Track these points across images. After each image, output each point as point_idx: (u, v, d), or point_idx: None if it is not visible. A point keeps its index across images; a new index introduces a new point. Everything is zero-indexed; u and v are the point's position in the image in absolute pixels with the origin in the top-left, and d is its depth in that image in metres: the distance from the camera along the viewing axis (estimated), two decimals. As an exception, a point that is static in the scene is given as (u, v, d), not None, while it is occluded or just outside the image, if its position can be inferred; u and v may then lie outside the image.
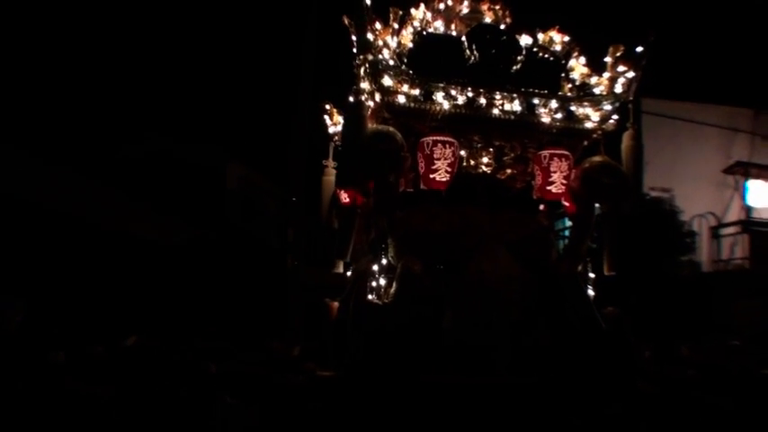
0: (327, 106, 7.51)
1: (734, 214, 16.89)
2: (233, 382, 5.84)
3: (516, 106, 6.26)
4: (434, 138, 6.04)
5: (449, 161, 6.01)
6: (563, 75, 6.61)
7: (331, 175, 7.49)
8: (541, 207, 6.54)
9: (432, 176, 6.03)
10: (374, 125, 6.10)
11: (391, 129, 5.96)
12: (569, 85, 6.57)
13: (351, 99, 5.97)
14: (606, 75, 6.48)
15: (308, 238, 13.15)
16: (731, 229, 16.56)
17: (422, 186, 6.23)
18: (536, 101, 6.28)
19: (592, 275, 6.54)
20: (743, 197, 16.83)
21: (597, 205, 6.47)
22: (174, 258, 14.30)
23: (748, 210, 16.75)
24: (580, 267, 6.46)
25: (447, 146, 6.03)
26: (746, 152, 17.48)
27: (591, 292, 6.45)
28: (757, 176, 16.87)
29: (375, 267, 6.11)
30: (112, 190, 14.10)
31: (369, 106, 6.17)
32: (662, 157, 15.07)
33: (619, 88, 6.41)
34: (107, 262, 12.87)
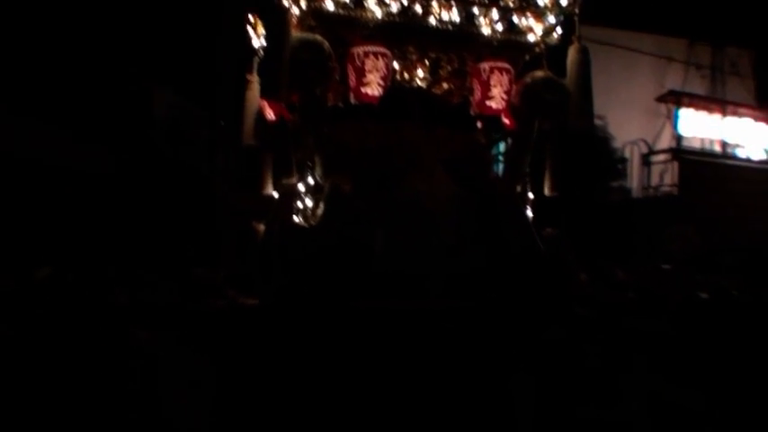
0: (251, 17, 6.80)
1: (665, 142, 16.75)
2: (145, 312, 5.27)
3: (454, 15, 5.72)
4: (366, 48, 5.49)
5: (381, 73, 5.48)
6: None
7: (255, 90, 6.78)
8: (479, 123, 6.03)
9: (363, 90, 5.51)
10: (299, 34, 5.46)
11: (318, 37, 5.36)
12: (511, -6, 5.98)
13: (274, 4, 5.30)
14: (551, -16, 5.89)
15: (236, 160, 12.48)
16: (661, 157, 16.50)
17: (352, 100, 5.67)
18: (476, 10, 5.74)
19: (531, 196, 6.08)
20: (674, 126, 16.68)
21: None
22: (97, 187, 13.54)
23: (679, 138, 16.64)
24: (519, 188, 5.99)
25: (379, 57, 5.48)
26: (680, 81, 17.30)
27: (530, 214, 6.00)
28: (689, 105, 16.76)
29: (301, 187, 5.55)
30: (30, 118, 13.08)
31: (293, 13, 5.52)
32: (595, 84, 14.26)
33: (564, 0, 5.85)
34: (25, 191, 12.01)
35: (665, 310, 6.20)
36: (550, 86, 5.76)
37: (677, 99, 16.83)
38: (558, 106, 5.79)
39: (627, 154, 16.30)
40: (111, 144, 14.78)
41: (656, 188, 16.12)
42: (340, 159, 5.56)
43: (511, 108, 5.86)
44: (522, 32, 5.88)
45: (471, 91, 5.99)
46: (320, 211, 5.43)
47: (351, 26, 5.59)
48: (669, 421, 5.26)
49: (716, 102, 17.07)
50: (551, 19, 5.90)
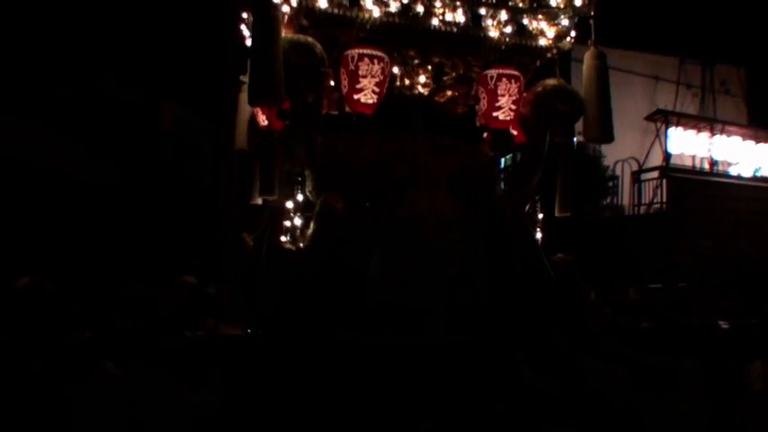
0: (245, 15, 5.89)
1: (656, 160, 16.08)
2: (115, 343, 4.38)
3: (459, 17, 4.88)
4: (360, 51, 4.66)
5: (377, 79, 4.64)
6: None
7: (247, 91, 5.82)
8: (485, 135, 5.18)
9: (356, 97, 4.67)
10: (289, 34, 4.60)
11: (310, 39, 4.56)
12: (520, -5, 5.13)
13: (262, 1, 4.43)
14: (564, -16, 5.05)
15: (230, 167, 11.72)
16: (651, 175, 15.91)
17: (347, 109, 4.82)
18: (483, 11, 4.92)
19: (540, 216, 5.22)
20: (663, 144, 15.98)
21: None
22: (102, 198, 12.80)
23: (668, 156, 16.00)
24: (528, 207, 5.13)
25: (375, 61, 4.64)
26: (672, 100, 16.65)
27: (539, 236, 5.15)
28: (677, 124, 16.13)
29: (290, 204, 4.68)
30: (42, 128, 12.53)
31: (283, 12, 4.65)
32: (587, 102, 13.86)
33: (579, 1, 5.02)
34: (33, 199, 11.42)
35: (683, 342, 5.32)
36: (564, 96, 4.96)
37: (666, 118, 16.19)
38: (571, 117, 4.98)
39: (618, 172, 15.62)
40: (119, 156, 14.28)
41: (649, 205, 15.38)
42: (333, 174, 4.72)
43: (520, 119, 5.03)
44: (532, 36, 5.06)
45: (477, 100, 5.16)
46: (310, 231, 4.57)
47: (346, 27, 4.75)
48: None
49: (704, 120, 16.45)
50: (564, 22, 5.06)
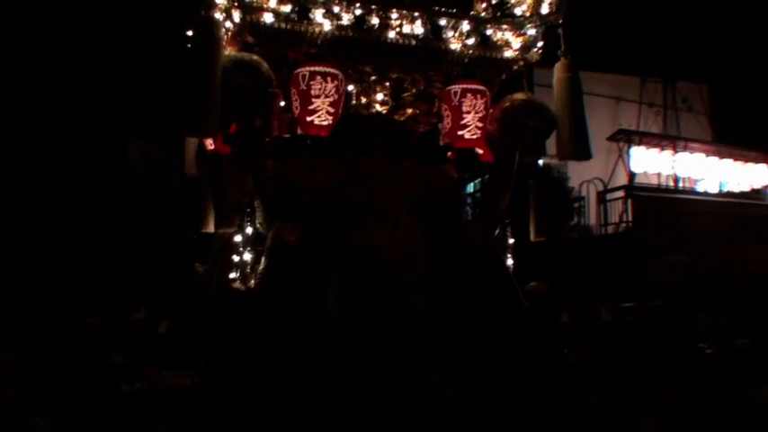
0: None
1: (621, 180, 15.75)
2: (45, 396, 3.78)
3: (418, 28, 4.37)
4: (312, 68, 4.12)
5: (331, 99, 4.10)
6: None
7: None
8: (449, 155, 4.66)
9: (309, 119, 4.12)
10: (232, 52, 4.07)
11: (255, 57, 4.04)
12: (483, 4, 4.62)
13: (201, 14, 3.90)
14: (529, -9, 4.57)
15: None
16: (617, 194, 15.52)
17: (299, 131, 4.30)
18: (443, 22, 4.41)
19: (511, 242, 4.70)
20: (627, 163, 15.62)
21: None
22: (71, 237, 12.65)
23: (632, 175, 15.59)
24: (497, 232, 4.61)
25: (329, 79, 4.10)
26: (635, 119, 16.34)
27: (510, 262, 4.62)
28: (639, 143, 15.85)
29: (238, 238, 4.12)
30: (10, 169, 12.47)
31: (226, 28, 4.13)
32: (550, 124, 13.59)
33: (545, 8, 4.56)
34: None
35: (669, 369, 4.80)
36: (534, 111, 4.48)
37: (628, 137, 15.84)
38: (542, 134, 4.49)
39: (584, 192, 15.24)
40: (88, 195, 14.23)
41: (617, 225, 15.01)
42: (285, 202, 4.18)
43: (487, 137, 4.52)
44: (497, 48, 4.56)
45: (440, 118, 4.68)
46: (261, 267, 4.00)
47: (295, 43, 4.23)
48: None
49: (666, 138, 16.16)
50: (531, 31, 4.57)
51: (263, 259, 4.02)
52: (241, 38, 4.18)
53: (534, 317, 4.36)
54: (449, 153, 4.71)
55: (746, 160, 16.35)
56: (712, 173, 16.08)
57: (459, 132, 4.38)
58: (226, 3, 4.09)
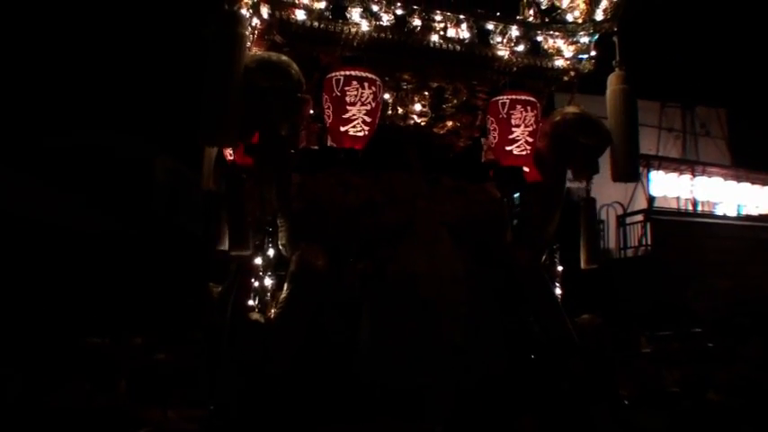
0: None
1: (640, 203, 15.18)
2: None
3: (464, 32, 3.83)
4: (347, 72, 3.54)
5: (368, 107, 3.53)
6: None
7: None
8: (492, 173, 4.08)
9: (343, 129, 3.54)
10: (259, 52, 3.51)
11: (284, 57, 3.46)
12: (531, 10, 4.05)
13: (224, 8, 3.31)
14: (583, -4, 3.99)
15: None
16: (636, 218, 14.97)
17: (329, 143, 3.71)
18: (490, 26, 3.83)
19: (560, 269, 4.10)
20: (646, 187, 14.97)
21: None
22: (95, 250, 11.88)
23: (651, 199, 15.01)
24: (545, 259, 4.01)
25: (366, 85, 3.54)
26: (654, 144, 15.72)
27: (558, 292, 4.02)
28: (659, 168, 15.26)
29: (258, 261, 3.53)
30: (36, 180, 11.93)
31: (252, 26, 3.57)
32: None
33: (599, 15, 3.97)
34: (26, 250, 10.51)
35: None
36: (587, 126, 3.91)
37: (647, 162, 15.26)
38: (596, 152, 3.90)
39: (603, 216, 14.70)
40: (112, 209, 13.51)
41: (636, 248, 14.44)
42: (311, 222, 3.60)
43: (534, 154, 3.93)
44: (548, 56, 4.00)
45: (484, 131, 4.10)
46: (283, 294, 3.40)
47: (329, 44, 3.68)
48: None
49: (685, 163, 15.62)
50: (584, 39, 3.99)
51: (285, 286, 3.44)
52: (269, 37, 3.62)
53: (587, 354, 3.74)
54: (491, 171, 4.13)
55: (764, 184, 15.88)
56: (730, 196, 15.57)
57: (507, 148, 3.80)
58: (252, -4, 3.53)
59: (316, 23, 3.55)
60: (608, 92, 3.96)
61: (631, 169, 3.90)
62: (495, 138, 3.82)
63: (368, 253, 3.58)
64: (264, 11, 3.54)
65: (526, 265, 3.89)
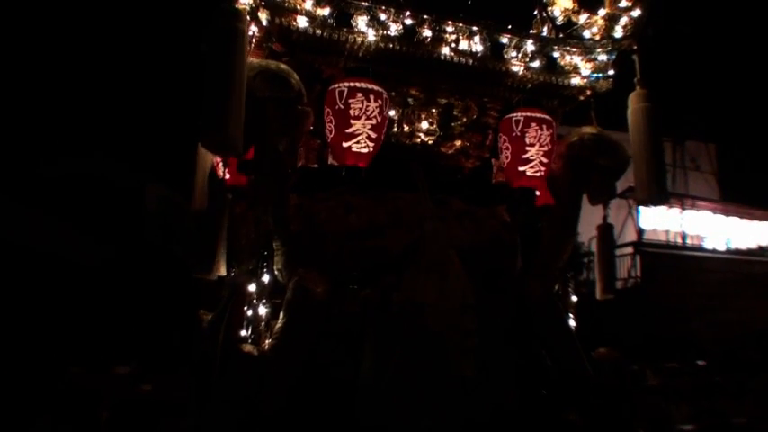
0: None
1: (630, 235, 15.07)
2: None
3: (476, 45, 3.50)
4: (352, 84, 3.18)
5: (373, 122, 3.19)
6: (538, 8, 3.82)
7: None
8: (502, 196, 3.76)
9: (346, 145, 3.19)
10: (257, 60, 3.17)
11: (283, 66, 3.13)
12: (546, 26, 3.76)
13: (223, 4, 2.95)
14: (602, 12, 3.69)
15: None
16: (626, 250, 14.85)
17: (330, 161, 3.37)
18: (505, 40, 3.51)
19: (574, 299, 3.76)
20: (636, 220, 14.94)
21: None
22: (85, 279, 11.76)
23: (640, 232, 14.94)
24: (558, 288, 3.67)
25: (371, 97, 3.19)
26: (643, 176, 15.63)
27: (572, 323, 3.66)
28: (649, 201, 14.99)
29: (252, 287, 3.16)
30: (28, 208, 11.92)
31: (250, 33, 3.23)
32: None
33: (618, 32, 3.67)
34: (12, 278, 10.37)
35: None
36: (605, 147, 3.59)
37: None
38: (614, 175, 3.58)
39: (593, 248, 14.50)
40: (104, 237, 13.36)
41: (625, 280, 14.21)
42: (311, 245, 3.22)
43: (548, 176, 3.60)
44: (564, 73, 3.70)
45: (494, 152, 3.77)
46: (279, 324, 3.02)
47: (332, 54, 3.37)
48: None
49: (674, 196, 15.42)
50: (602, 56, 3.70)
51: (281, 315, 3.06)
52: (268, 45, 3.30)
53: (605, 391, 3.38)
54: (501, 194, 3.79)
55: (752, 218, 15.71)
56: (719, 230, 15.45)
57: (521, 168, 3.45)
58: (251, 1, 3.20)
59: (318, 31, 3.24)
60: (629, 111, 3.63)
61: (658, 192, 3.55)
62: (507, 157, 3.48)
63: (371, 280, 3.22)
64: (263, 17, 3.22)
65: (539, 294, 3.54)
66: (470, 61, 3.46)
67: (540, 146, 3.44)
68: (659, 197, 3.59)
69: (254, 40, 3.32)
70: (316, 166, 3.55)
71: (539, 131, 3.44)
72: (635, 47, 3.71)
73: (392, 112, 3.54)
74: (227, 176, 3.68)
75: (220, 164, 3.96)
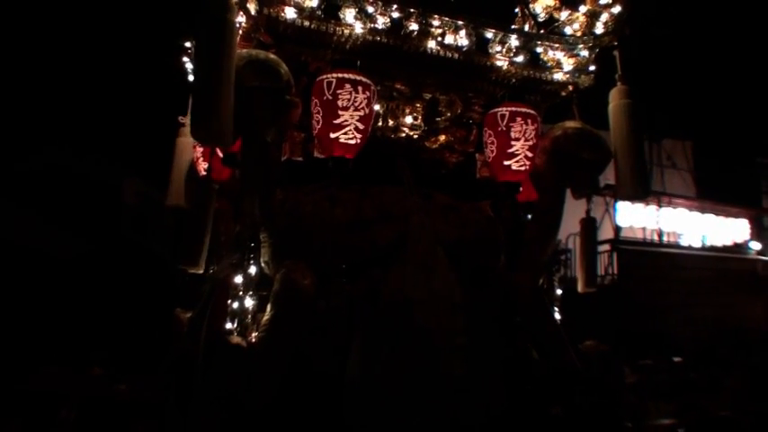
0: (189, 44, 4.38)
1: (607, 232, 15.13)
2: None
3: (462, 40, 3.53)
4: (340, 75, 3.20)
5: (361, 113, 3.21)
6: (520, 5, 3.87)
7: (188, 135, 3.99)
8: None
9: (334, 135, 3.20)
10: (246, 50, 3.17)
11: (272, 56, 3.14)
12: (528, 23, 3.80)
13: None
14: (583, 9, 3.75)
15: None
16: (603, 247, 14.94)
17: (316, 153, 3.38)
18: (490, 34, 3.55)
19: (559, 292, 3.81)
20: (613, 217, 14.99)
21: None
22: (62, 271, 11.93)
23: (617, 229, 15.01)
24: (543, 282, 3.71)
25: (360, 89, 3.21)
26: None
27: (558, 316, 3.71)
28: (624, 197, 15.08)
29: (239, 279, 3.16)
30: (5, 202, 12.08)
31: (238, 24, 3.23)
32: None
33: (599, 28, 3.73)
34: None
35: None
36: (589, 141, 3.62)
37: (613, 191, 15.15)
38: (597, 168, 3.64)
39: (570, 245, 14.60)
40: (80, 231, 13.38)
41: (602, 277, 14.33)
42: (297, 239, 3.23)
43: (531, 171, 3.63)
44: (547, 68, 3.75)
45: (477, 146, 3.82)
46: (266, 317, 3.02)
47: (319, 46, 3.38)
48: None
49: (651, 194, 15.51)
50: (584, 52, 3.75)
51: (268, 307, 3.07)
52: (255, 36, 3.29)
53: (594, 385, 3.43)
54: (485, 189, 3.83)
55: (728, 215, 15.97)
56: (695, 227, 15.63)
57: (506, 162, 3.48)
58: (239, -9, 3.20)
59: (306, 23, 3.25)
60: (610, 107, 3.69)
61: (639, 187, 3.61)
62: (492, 152, 3.51)
63: (358, 274, 3.24)
64: (252, 7, 3.23)
65: (525, 288, 3.58)
66: (456, 55, 3.49)
67: (526, 140, 3.48)
68: (641, 192, 3.66)
69: (241, 31, 3.32)
70: (300, 159, 3.55)
71: (524, 126, 3.47)
72: (615, 43, 3.77)
73: (377, 107, 3.55)
74: (206, 172, 3.70)
75: (200, 159, 3.97)
